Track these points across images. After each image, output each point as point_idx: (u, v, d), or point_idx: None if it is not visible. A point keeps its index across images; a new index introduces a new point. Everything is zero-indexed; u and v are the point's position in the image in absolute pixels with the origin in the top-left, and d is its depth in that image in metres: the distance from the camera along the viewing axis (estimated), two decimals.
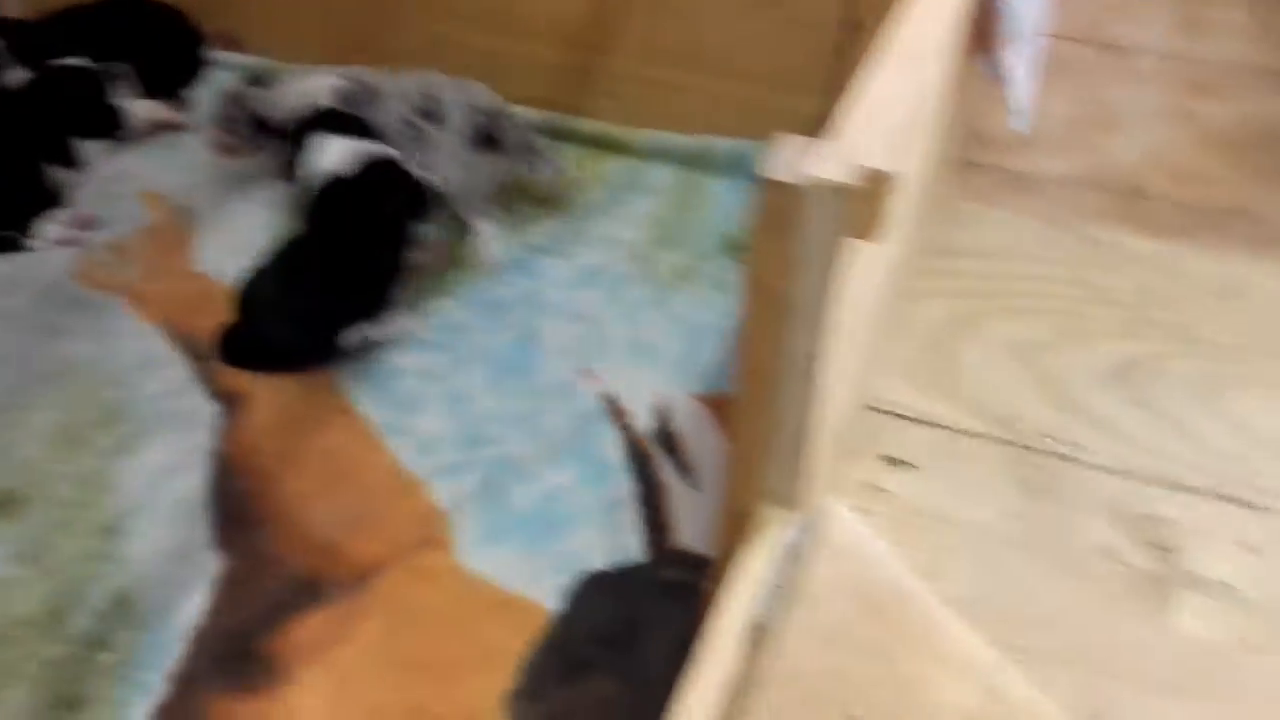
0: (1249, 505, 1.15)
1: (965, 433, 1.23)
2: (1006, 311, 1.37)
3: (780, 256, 0.77)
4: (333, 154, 1.36)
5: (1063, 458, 1.20)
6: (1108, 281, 1.42)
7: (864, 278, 0.91)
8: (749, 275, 0.79)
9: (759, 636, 0.81)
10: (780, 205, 0.75)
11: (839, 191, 0.74)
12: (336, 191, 1.34)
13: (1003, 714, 0.88)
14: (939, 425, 1.24)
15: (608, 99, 1.55)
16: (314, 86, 1.49)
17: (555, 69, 1.58)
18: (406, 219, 1.35)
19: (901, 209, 1.04)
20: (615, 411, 1.24)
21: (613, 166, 1.56)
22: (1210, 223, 1.57)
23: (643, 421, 1.23)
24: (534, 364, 1.31)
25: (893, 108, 0.81)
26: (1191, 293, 1.40)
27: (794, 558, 0.86)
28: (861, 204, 0.75)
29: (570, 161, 1.56)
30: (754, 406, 0.85)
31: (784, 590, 0.83)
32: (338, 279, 1.28)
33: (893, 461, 1.20)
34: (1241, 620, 1.05)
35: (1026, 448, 1.21)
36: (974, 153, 1.67)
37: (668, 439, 1.23)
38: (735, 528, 0.92)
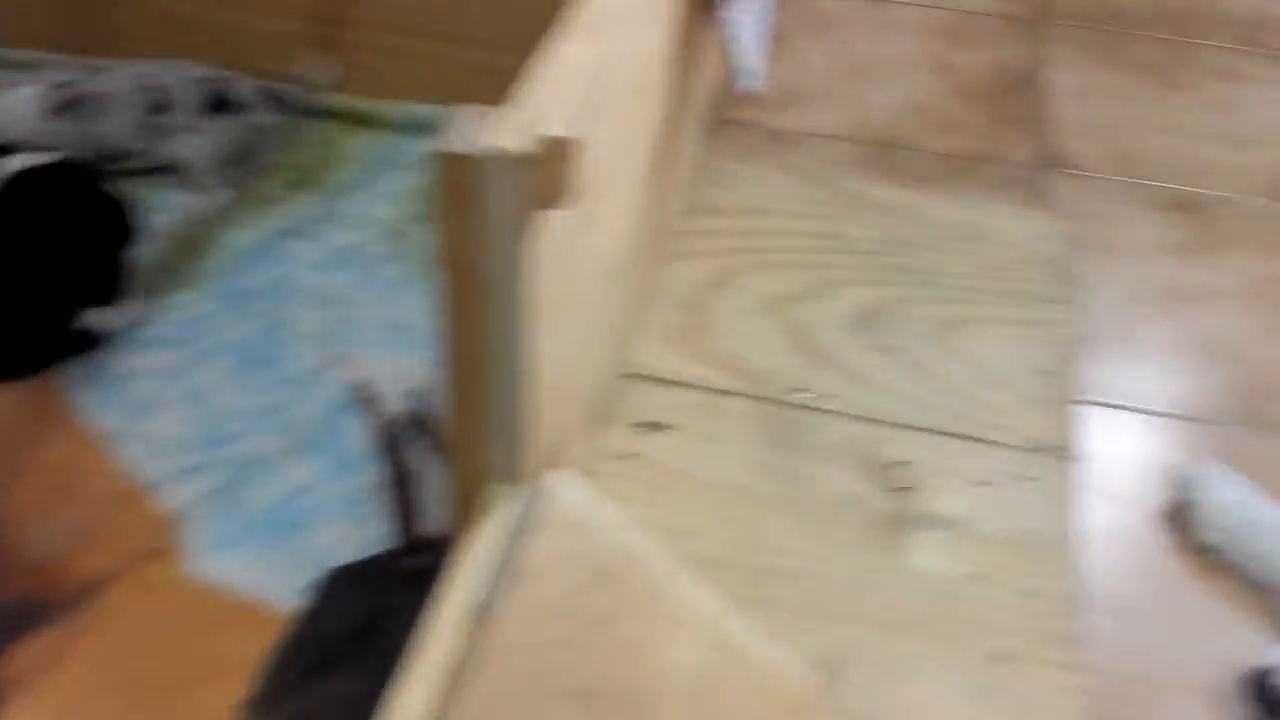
0: (982, 441, 1.20)
1: (720, 391, 1.25)
2: (760, 267, 1.39)
3: (467, 230, 0.75)
4: None
5: (810, 409, 1.23)
6: (858, 232, 1.46)
7: (580, 246, 0.90)
8: (439, 251, 0.78)
9: (481, 616, 0.80)
10: (458, 178, 0.73)
11: (519, 161, 0.72)
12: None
13: (736, 667, 0.90)
14: (695, 386, 1.25)
15: (353, 71, 1.50)
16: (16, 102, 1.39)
17: (294, 42, 1.52)
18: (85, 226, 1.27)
19: (629, 173, 1.04)
20: (366, 398, 1.21)
21: (364, 142, 1.52)
22: (959, 169, 1.63)
23: (396, 406, 1.21)
24: (281, 354, 1.26)
25: (578, 73, 0.80)
26: (935, 238, 1.45)
27: (518, 533, 0.85)
28: (544, 172, 0.74)
29: (319, 139, 1.51)
30: (464, 385, 0.83)
31: (507, 567, 0.82)
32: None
33: (649, 426, 1.21)
34: (973, 552, 1.10)
35: (777, 401, 1.24)
36: (734, 111, 1.69)
37: (422, 422, 1.20)
38: (465, 508, 0.91)
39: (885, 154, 1.66)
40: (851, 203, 1.49)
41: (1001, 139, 1.70)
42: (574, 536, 0.86)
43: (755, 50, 1.22)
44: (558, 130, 0.73)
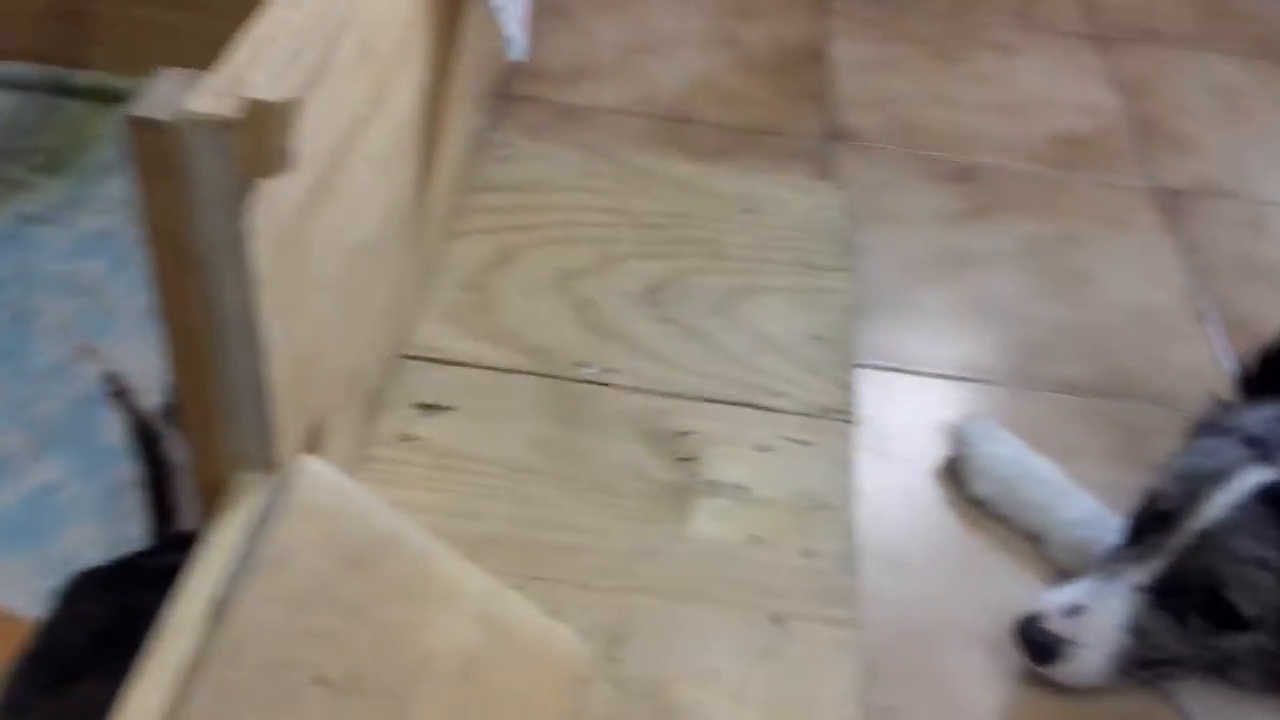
0: (763, 408, 1.21)
1: (503, 369, 1.22)
2: (546, 243, 1.37)
3: (171, 201, 0.70)
4: None
5: (595, 383, 1.22)
6: (645, 206, 1.45)
7: (317, 220, 0.86)
8: (143, 223, 0.72)
9: (220, 610, 0.75)
10: (156, 146, 0.68)
11: (219, 126, 0.67)
12: None
13: (505, 646, 0.87)
14: (477, 365, 1.22)
15: (102, 46, 1.40)
16: None
17: (41, 18, 1.41)
18: None
19: (381, 144, 0.99)
20: (119, 390, 1.13)
21: (117, 121, 1.42)
22: (746, 143, 1.65)
23: (151, 398, 1.13)
24: (27, 347, 1.17)
25: (289, 35, 0.75)
26: (720, 211, 1.46)
27: (262, 522, 0.80)
28: (250, 138, 0.69)
29: (68, 120, 1.40)
30: (190, 368, 0.78)
31: (249, 558, 0.78)
32: None
33: (428, 407, 1.17)
34: (754, 517, 1.11)
35: (562, 378, 1.22)
36: (522, 87, 1.66)
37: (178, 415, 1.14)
38: (211, 499, 0.86)
39: (673, 128, 1.66)
40: (638, 177, 1.48)
41: (787, 112, 1.73)
42: (323, 523, 0.81)
43: (517, 19, 1.19)
44: (263, 94, 0.69)
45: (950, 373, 1.35)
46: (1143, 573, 0.95)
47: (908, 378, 1.33)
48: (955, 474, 1.20)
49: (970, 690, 1.04)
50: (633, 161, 1.51)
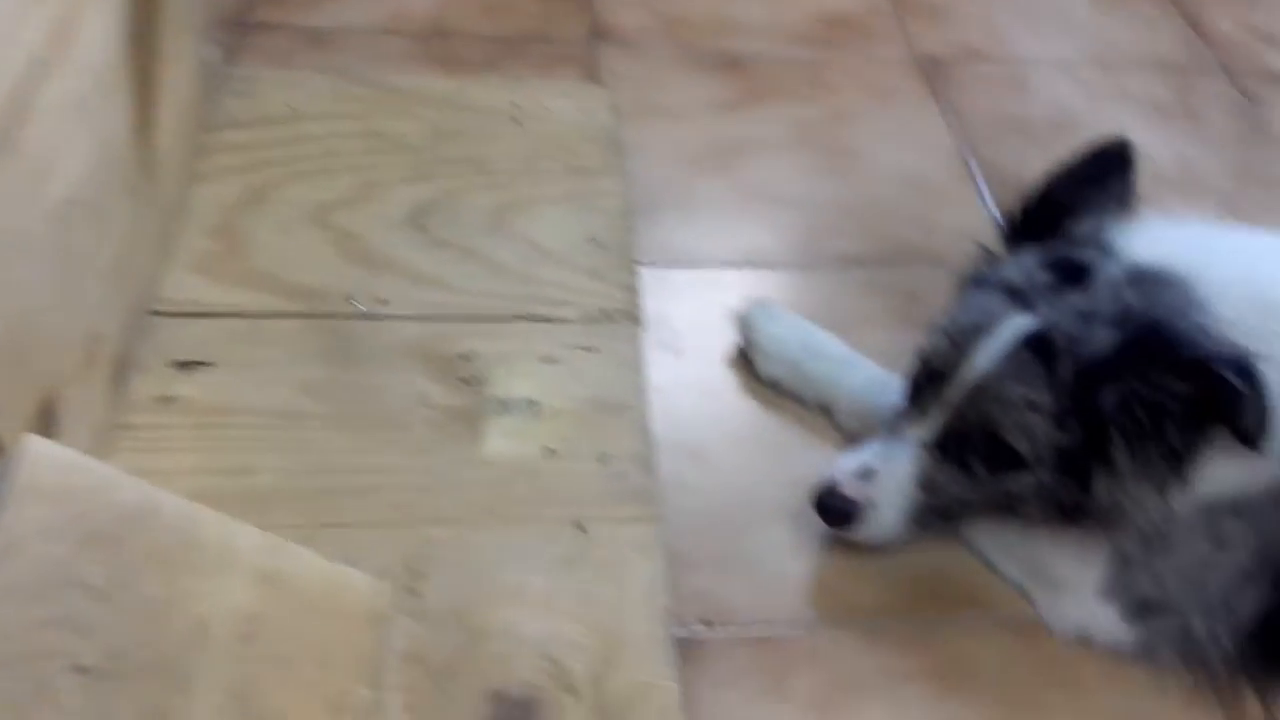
0: (546, 320, 1.18)
1: (266, 315, 1.14)
2: (300, 177, 1.28)
3: None
4: None
5: (368, 318, 1.16)
6: (404, 127, 1.37)
7: (9, 178, 0.77)
8: None
9: None
10: None
11: None
12: None
13: (289, 600, 0.83)
14: (236, 314, 1.14)
15: None
16: None
17: None
18: None
19: (71, 95, 0.89)
20: None
21: None
22: (509, 52, 1.59)
23: None
24: None
25: None
26: (484, 125, 1.40)
27: None
28: None
29: None
30: None
31: None
32: None
33: (185, 365, 1.09)
34: (547, 430, 1.08)
35: (330, 316, 1.15)
36: (261, 12, 1.55)
37: None
38: None
39: (431, 44, 1.58)
40: (396, 99, 1.41)
41: (551, 16, 1.67)
42: (55, 505, 0.74)
43: None
44: None
45: (734, 261, 1.34)
46: (924, 429, 0.97)
47: (692, 272, 1.32)
48: (744, 359, 1.21)
49: (779, 563, 1.05)
50: (389, 82, 1.43)
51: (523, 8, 1.67)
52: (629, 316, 1.19)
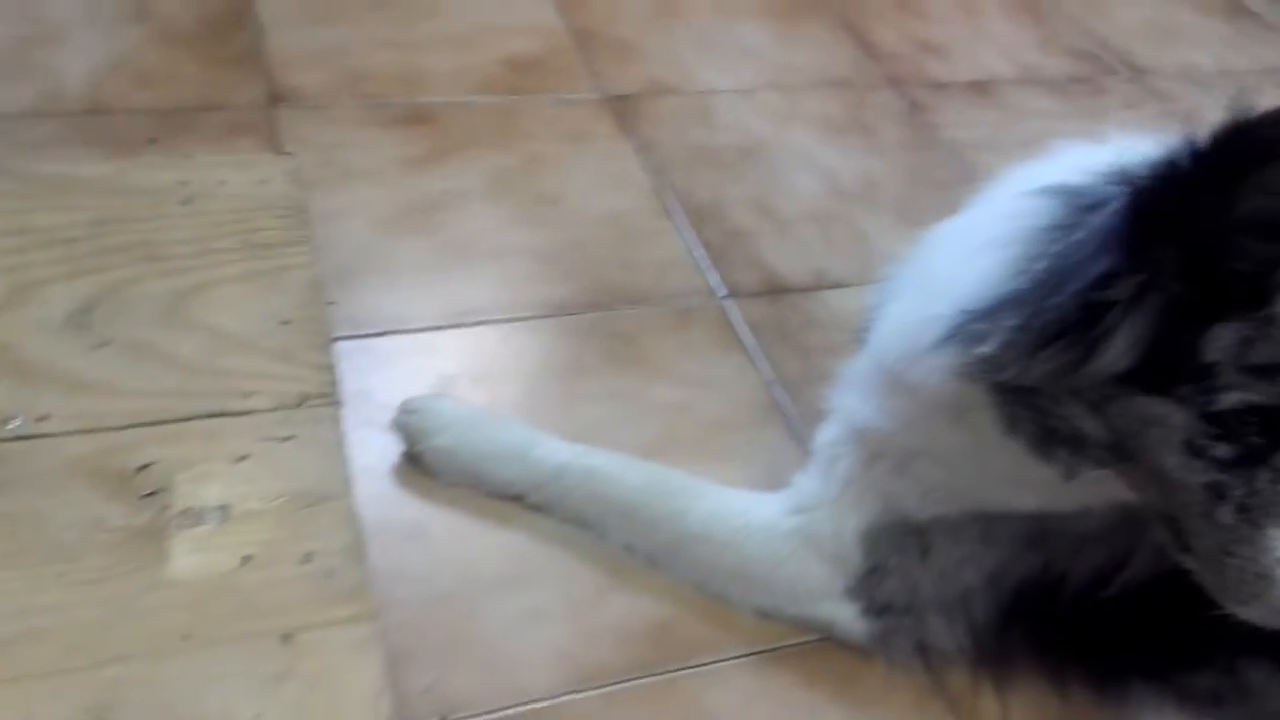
0: (234, 413, 1.10)
1: None
2: None
3: None
4: None
5: (24, 438, 1.04)
6: (57, 220, 1.25)
7: None
8: None
9: None
10: None
11: None
12: None
13: None
14: None
15: None
16: None
17: None
18: None
19: None
20: None
21: None
22: (175, 125, 1.48)
23: None
24: None
25: None
26: (150, 208, 1.29)
27: None
28: None
29: None
30: None
31: None
32: None
33: None
34: (244, 536, 1.00)
35: None
36: None
37: None
38: None
39: (88, 125, 1.45)
40: (45, 189, 1.28)
41: (221, 83, 1.57)
42: None
43: None
44: None
45: (440, 323, 1.30)
46: None
47: (398, 339, 1.27)
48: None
49: (512, 638, 1.01)
50: (38, 172, 1.30)
51: (188, 76, 1.57)
52: (327, 398, 1.12)
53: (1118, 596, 0.94)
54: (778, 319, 1.39)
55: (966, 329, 0.79)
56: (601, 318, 1.35)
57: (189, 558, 0.97)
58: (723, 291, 1.41)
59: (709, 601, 1.05)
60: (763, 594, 1.04)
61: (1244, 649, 0.93)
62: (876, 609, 1.00)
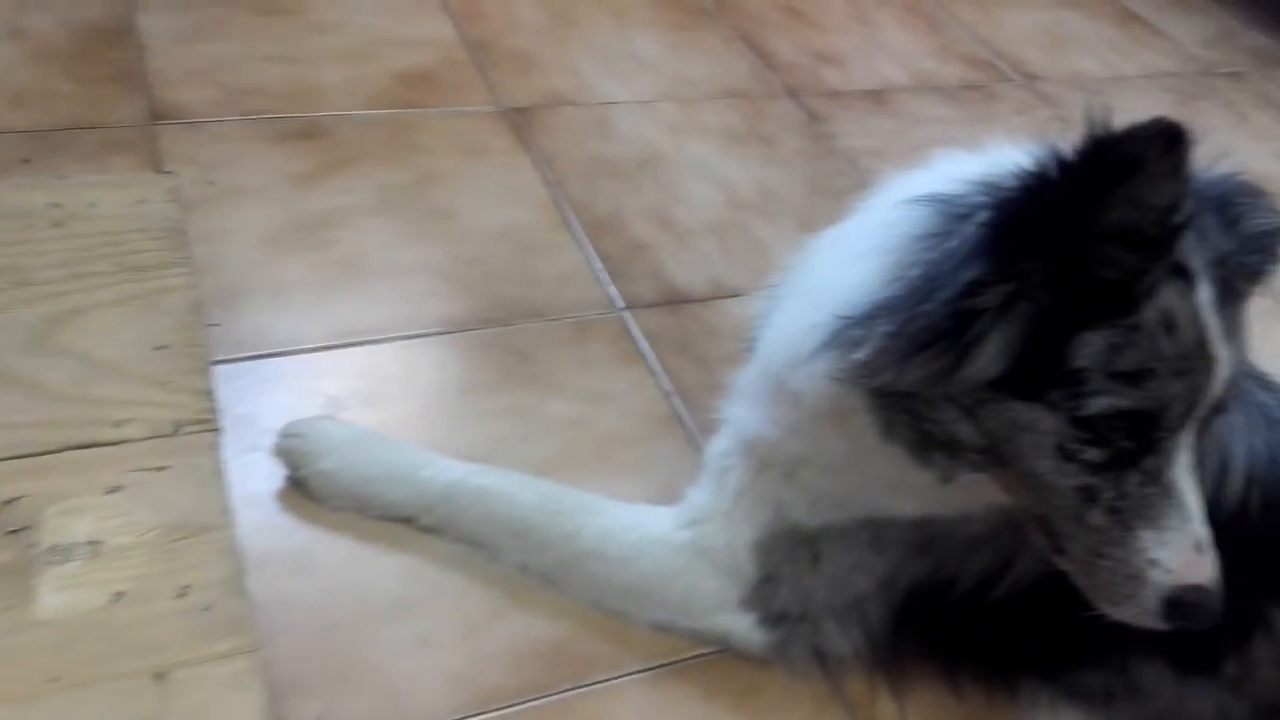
0: (105, 444, 1.05)
1: None
2: None
3: None
4: None
5: None
6: None
7: None
8: None
9: None
10: None
11: None
12: None
13: None
14: None
15: None
16: None
17: None
18: None
19: None
20: None
21: None
22: (50, 145, 1.42)
23: None
24: None
25: None
26: (19, 230, 1.24)
27: None
28: None
29: None
30: None
31: None
32: None
33: None
34: (113, 573, 0.96)
35: None
36: None
37: None
38: None
39: None
40: None
41: (98, 101, 1.52)
42: None
43: None
44: None
45: (329, 343, 1.26)
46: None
47: (282, 360, 1.23)
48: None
49: (405, 663, 0.98)
50: None
51: (63, 94, 1.51)
52: (205, 424, 1.08)
53: (1006, 597, 0.95)
54: (677, 330, 1.38)
55: (843, 335, 0.80)
56: (498, 333, 1.33)
57: (57, 596, 0.92)
58: (621, 303, 1.40)
59: (605, 618, 1.04)
60: (659, 608, 1.03)
61: (1135, 647, 0.95)
62: (772, 618, 1.00)
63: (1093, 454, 0.77)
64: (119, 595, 0.93)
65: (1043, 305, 0.75)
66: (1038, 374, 0.75)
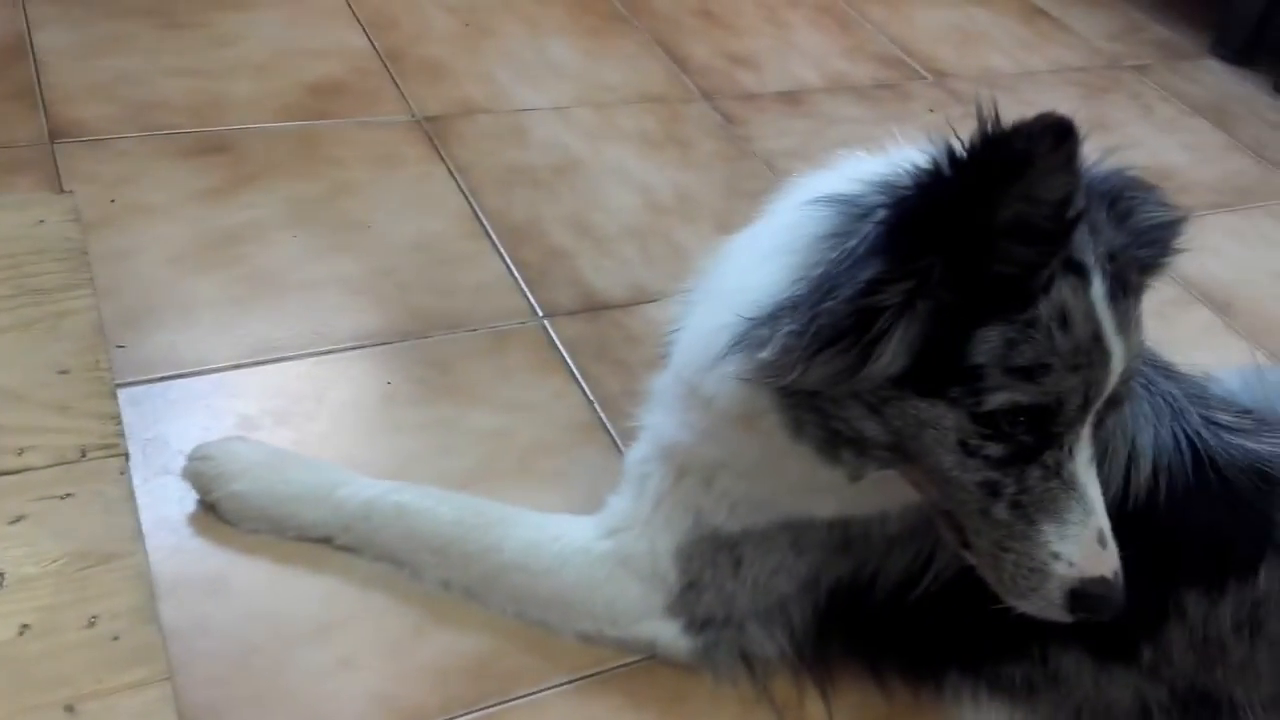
0: (7, 472, 1.01)
1: None
2: None
3: None
4: None
5: None
6: None
7: None
8: None
9: None
10: None
11: None
12: None
13: None
14: None
15: None
16: None
17: None
18: None
19: None
20: None
21: None
22: None
23: None
24: None
25: None
26: None
27: None
28: None
29: None
30: None
31: None
32: None
33: None
34: (17, 605, 0.92)
35: None
36: None
37: None
38: None
39: None
40: None
41: None
42: None
43: None
44: None
45: (241, 361, 1.23)
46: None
47: (193, 381, 1.20)
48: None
49: (325, 686, 0.96)
50: None
51: None
52: (111, 449, 1.05)
53: (928, 594, 0.96)
54: (597, 336, 1.38)
55: (749, 335, 0.80)
56: (415, 345, 1.31)
57: None
58: (541, 312, 1.39)
59: (530, 631, 1.03)
60: (583, 619, 1.02)
61: (1055, 638, 0.96)
62: (697, 624, 1.00)
63: (994, 449, 0.78)
64: (25, 628, 0.90)
65: (942, 302, 0.75)
66: (939, 370, 0.76)
